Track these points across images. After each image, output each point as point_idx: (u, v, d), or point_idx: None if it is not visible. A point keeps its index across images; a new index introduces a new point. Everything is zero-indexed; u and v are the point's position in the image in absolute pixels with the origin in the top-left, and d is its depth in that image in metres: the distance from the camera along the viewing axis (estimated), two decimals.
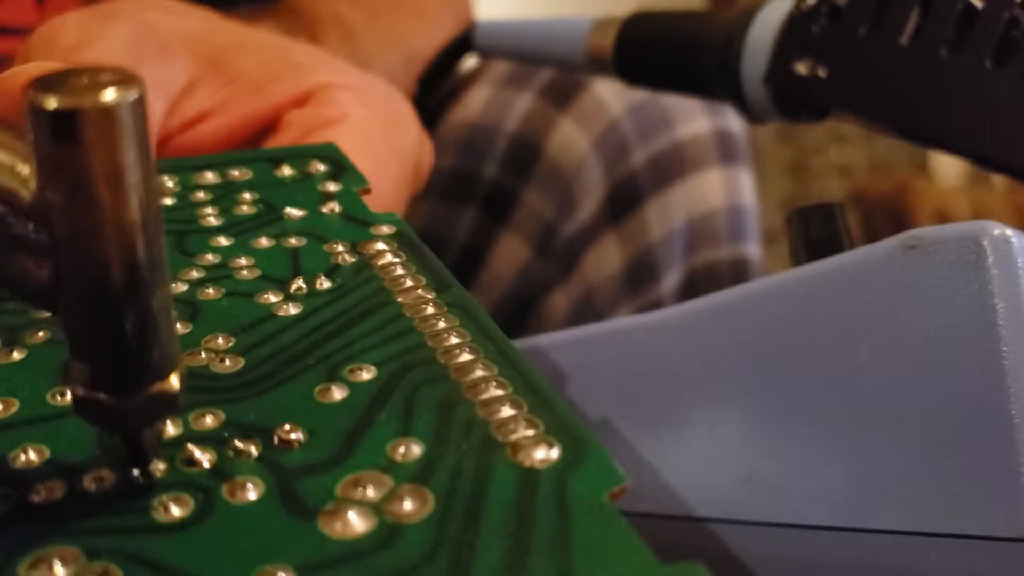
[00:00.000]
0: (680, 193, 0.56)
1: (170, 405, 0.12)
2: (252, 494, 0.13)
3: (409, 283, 0.17)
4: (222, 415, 0.14)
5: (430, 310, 0.16)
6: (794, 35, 0.27)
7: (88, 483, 0.13)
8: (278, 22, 0.46)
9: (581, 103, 0.55)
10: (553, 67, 0.48)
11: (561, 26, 0.34)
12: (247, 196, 0.20)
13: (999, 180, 1.61)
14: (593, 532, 0.12)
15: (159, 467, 0.13)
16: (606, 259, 0.56)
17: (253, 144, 0.26)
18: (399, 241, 0.19)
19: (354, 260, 0.18)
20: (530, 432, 0.13)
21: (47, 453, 0.13)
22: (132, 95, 0.11)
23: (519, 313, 0.57)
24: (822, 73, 0.26)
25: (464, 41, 0.38)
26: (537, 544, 0.12)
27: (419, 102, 0.41)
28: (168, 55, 0.25)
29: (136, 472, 0.13)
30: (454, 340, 0.16)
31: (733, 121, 0.58)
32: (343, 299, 0.17)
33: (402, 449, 0.13)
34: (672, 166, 0.56)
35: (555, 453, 0.13)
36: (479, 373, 0.15)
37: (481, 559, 0.11)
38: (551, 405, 0.14)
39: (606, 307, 0.56)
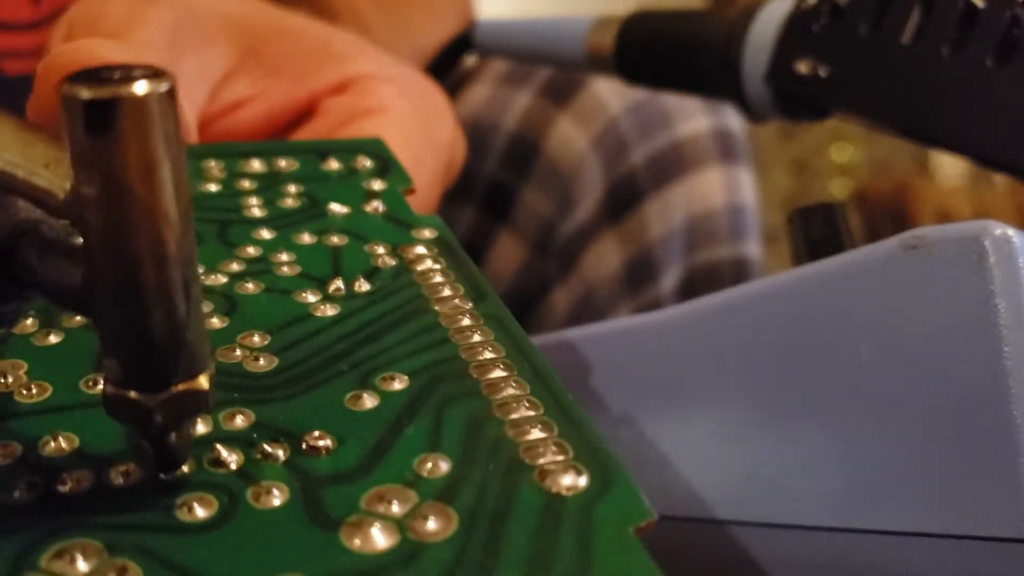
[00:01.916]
0: (680, 192, 0.56)
1: (199, 404, 0.12)
2: (276, 500, 0.13)
3: (447, 291, 0.17)
4: (252, 416, 0.14)
5: (466, 321, 0.16)
6: (795, 34, 0.27)
7: (115, 477, 0.13)
8: (295, 9, 0.46)
9: (580, 101, 0.55)
10: (553, 66, 0.48)
11: (561, 25, 0.33)
12: (292, 188, 0.20)
13: (1000, 179, 1.61)
14: (615, 565, 0.12)
15: (185, 469, 0.13)
16: (605, 258, 0.56)
17: (290, 129, 0.26)
18: (440, 246, 0.19)
19: (394, 263, 0.18)
20: (559, 457, 0.13)
21: (76, 442, 0.13)
22: (164, 87, 0.11)
23: (518, 311, 0.57)
24: (823, 72, 0.26)
25: (464, 40, 0.38)
26: (557, 573, 0.11)
27: None
28: (209, 42, 0.25)
29: (162, 476, 0.13)
30: (488, 355, 0.15)
31: (733, 120, 0.58)
32: (380, 304, 0.17)
33: (429, 465, 0.13)
34: (672, 165, 0.56)
35: (583, 481, 0.13)
36: (511, 391, 0.15)
37: None
38: (582, 429, 0.14)
39: (605, 306, 0.55)
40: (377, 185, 0.21)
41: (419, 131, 0.25)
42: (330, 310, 0.17)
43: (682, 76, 0.30)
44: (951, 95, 0.24)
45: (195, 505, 0.12)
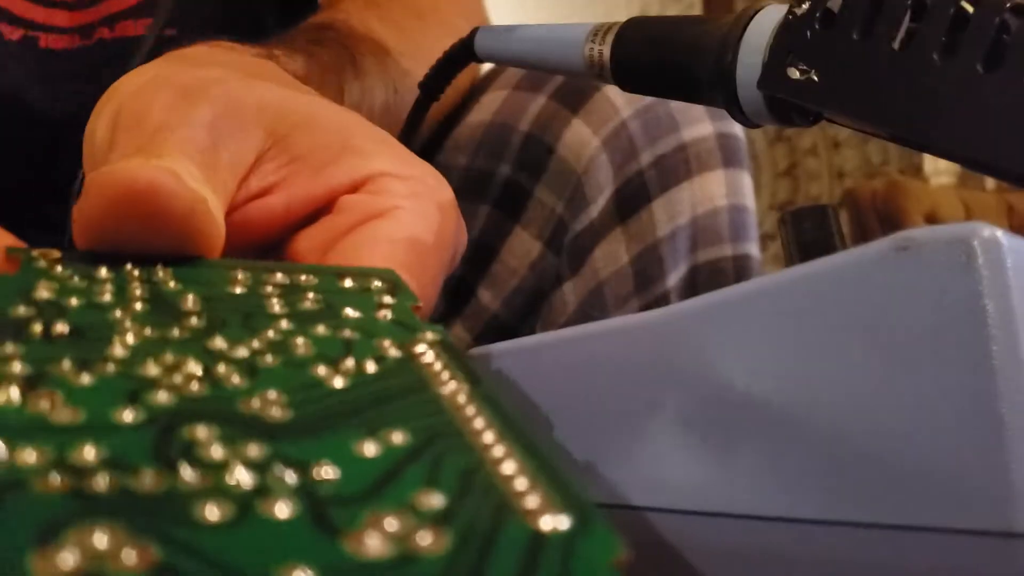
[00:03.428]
0: (685, 193, 0.57)
1: None
2: (285, 512, 0.13)
3: (446, 376, 0.18)
4: (268, 449, 0.15)
5: (462, 399, 0.17)
6: (788, 40, 0.27)
7: (141, 483, 0.13)
8: (326, 48, 0.46)
9: (592, 105, 0.56)
10: (552, 73, 0.48)
11: (560, 32, 0.33)
12: (311, 295, 0.21)
13: (990, 180, 1.60)
14: None
15: (242, 474, 0.14)
16: (614, 255, 0.56)
17: (310, 221, 0.27)
18: (441, 346, 0.20)
19: (400, 354, 0.19)
20: (543, 502, 0.14)
21: (107, 454, 0.14)
22: None
23: (530, 305, 0.57)
24: (815, 77, 0.26)
25: (465, 47, 0.37)
26: None
27: (425, 106, 0.41)
28: (245, 131, 0.26)
29: None
30: (480, 423, 0.16)
31: (736, 125, 0.59)
32: (386, 380, 0.18)
33: (426, 497, 0.14)
34: (678, 167, 0.57)
35: (563, 523, 0.13)
36: (500, 451, 0.15)
37: None
38: (564, 483, 0.14)
39: (614, 301, 0.56)
40: (387, 299, 0.22)
41: (426, 233, 0.26)
42: (341, 382, 0.18)
43: (677, 82, 0.30)
44: (941, 100, 0.24)
45: (212, 507, 0.13)
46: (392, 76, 0.49)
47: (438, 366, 0.19)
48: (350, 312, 0.21)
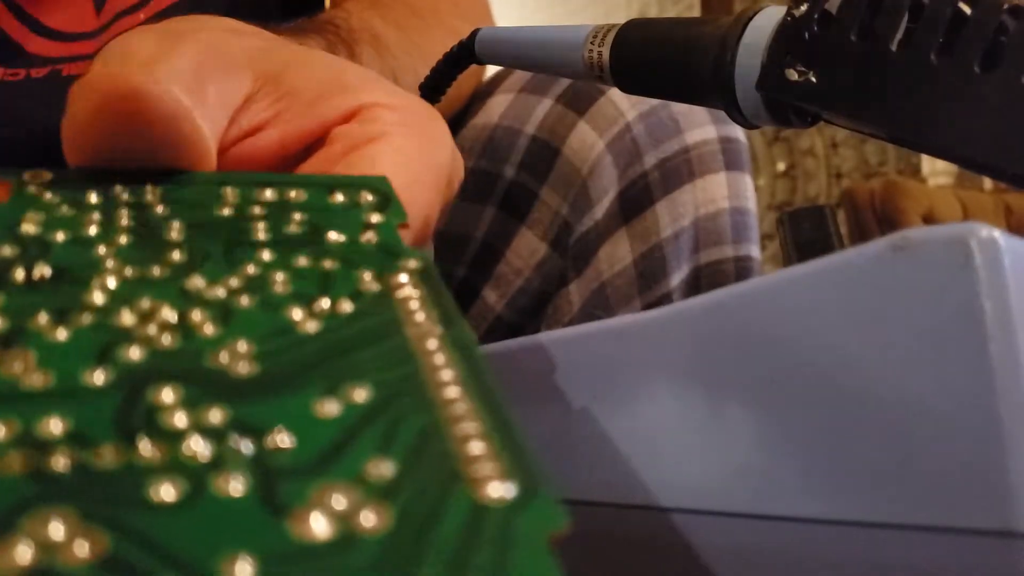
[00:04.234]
0: (688, 195, 0.57)
1: None
2: (237, 489, 0.13)
3: (420, 317, 0.18)
4: (229, 413, 0.15)
5: (433, 344, 0.17)
6: (786, 42, 0.26)
7: (99, 459, 0.13)
8: (322, 36, 0.46)
9: (597, 108, 0.56)
10: (552, 74, 0.48)
11: (559, 34, 0.33)
12: (297, 216, 0.21)
13: (989, 182, 1.60)
14: (527, 567, 0.12)
15: (201, 446, 0.14)
16: (618, 255, 0.56)
17: (305, 155, 0.26)
18: (420, 277, 0.19)
19: (377, 289, 0.19)
20: (493, 468, 0.14)
21: (70, 426, 0.14)
22: None
23: (535, 305, 0.57)
24: (813, 79, 0.25)
25: (466, 49, 0.37)
26: (473, 572, 0.12)
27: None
28: (231, 71, 0.25)
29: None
30: (447, 374, 0.16)
31: (738, 129, 0.59)
32: (360, 321, 0.18)
33: (377, 467, 0.14)
34: (681, 169, 0.57)
35: (509, 492, 0.13)
36: (460, 408, 0.15)
37: None
38: (517, 446, 0.14)
39: (618, 300, 0.56)
40: (375, 218, 0.22)
41: (418, 154, 0.26)
42: (314, 326, 0.17)
43: (676, 83, 0.30)
44: (939, 101, 0.24)
45: (165, 487, 0.13)
46: (391, 67, 0.49)
47: (415, 304, 0.18)
48: (334, 236, 0.20)
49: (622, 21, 0.31)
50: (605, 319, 0.25)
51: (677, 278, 0.57)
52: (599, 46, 0.31)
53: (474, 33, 0.37)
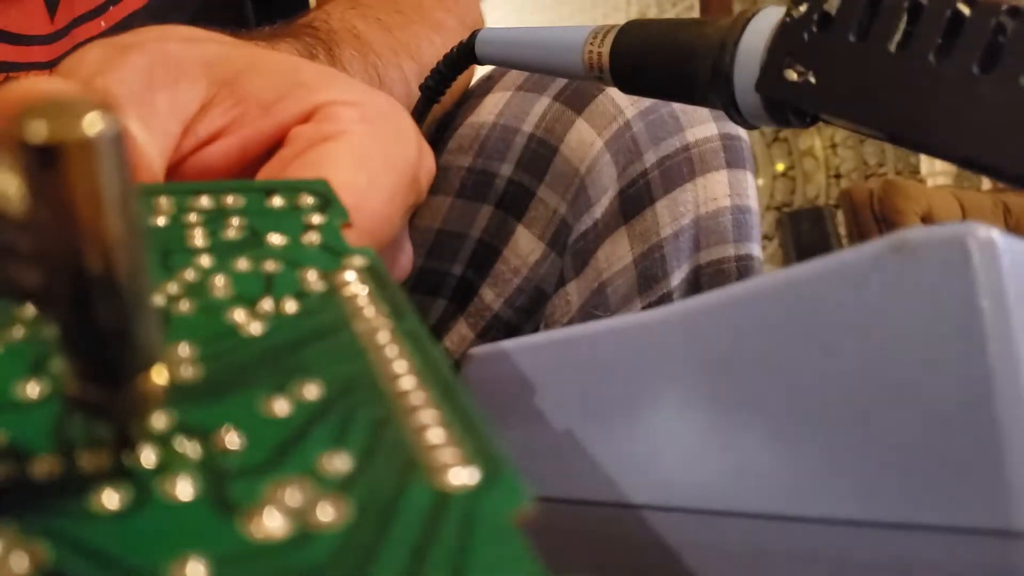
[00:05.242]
0: (689, 193, 0.57)
1: (152, 400, 0.13)
2: (186, 492, 0.13)
3: (370, 312, 0.17)
4: (174, 417, 0.14)
5: (383, 337, 0.16)
6: (785, 42, 0.26)
7: (38, 471, 0.13)
8: (298, 39, 0.46)
9: (596, 106, 0.55)
10: (552, 75, 0.48)
11: (559, 34, 0.33)
12: (235, 221, 0.20)
13: (987, 182, 1.60)
14: (492, 551, 0.12)
15: (145, 452, 0.13)
16: (618, 254, 0.56)
17: (265, 160, 0.26)
18: (367, 273, 0.19)
19: (322, 288, 0.18)
20: (453, 455, 0.14)
21: (5, 439, 0.14)
22: (111, 129, 0.11)
23: (533, 304, 0.57)
24: (812, 79, 0.25)
25: (467, 49, 0.37)
26: (436, 559, 0.12)
27: (426, 108, 0.41)
28: (184, 81, 0.25)
29: (123, 454, 0.13)
30: (400, 366, 0.16)
31: (739, 127, 0.58)
32: (304, 322, 0.17)
33: (332, 460, 0.14)
34: (682, 167, 0.56)
35: (470, 478, 0.13)
36: (416, 398, 0.15)
37: (380, 568, 0.12)
38: (476, 431, 0.14)
39: (617, 300, 0.56)
40: (316, 220, 0.21)
41: (378, 151, 0.25)
42: (258, 328, 0.17)
43: (675, 84, 0.30)
44: (937, 101, 0.24)
45: (109, 495, 0.13)
46: (374, 66, 0.49)
47: (363, 300, 0.18)
48: (275, 239, 0.20)
49: (622, 22, 0.31)
50: (605, 319, 0.25)
51: (677, 278, 0.57)
52: (599, 47, 0.31)
53: (474, 34, 0.37)
